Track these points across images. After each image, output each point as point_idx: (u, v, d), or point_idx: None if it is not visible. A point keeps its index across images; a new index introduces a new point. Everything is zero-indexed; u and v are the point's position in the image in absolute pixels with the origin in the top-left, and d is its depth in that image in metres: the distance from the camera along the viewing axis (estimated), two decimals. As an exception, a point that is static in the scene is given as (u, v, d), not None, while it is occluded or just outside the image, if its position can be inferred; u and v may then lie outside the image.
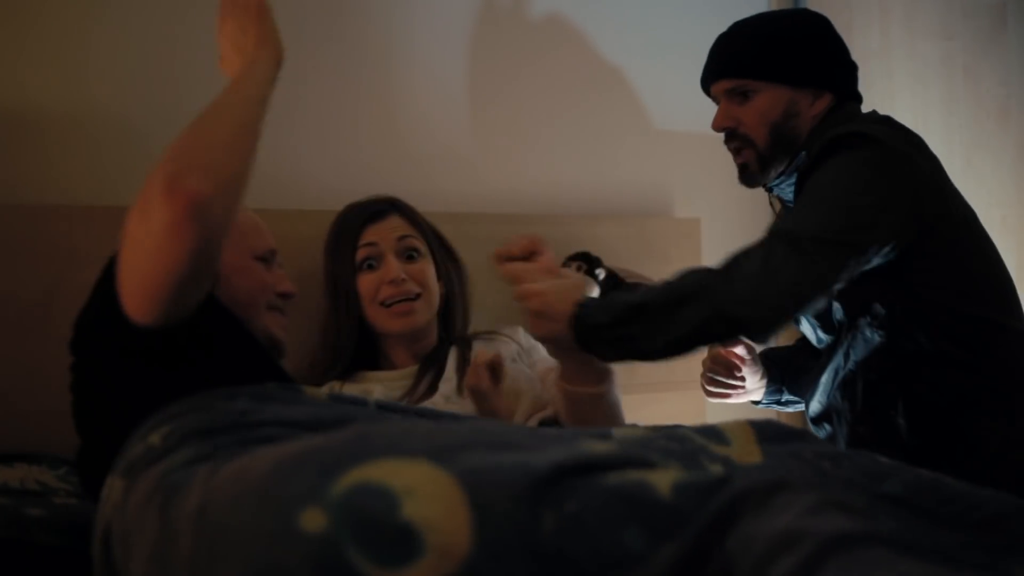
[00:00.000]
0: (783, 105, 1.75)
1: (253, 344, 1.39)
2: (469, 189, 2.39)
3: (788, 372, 1.99)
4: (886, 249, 1.59)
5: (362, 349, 1.93)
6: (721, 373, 1.97)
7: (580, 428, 1.26)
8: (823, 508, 0.77)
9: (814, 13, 1.85)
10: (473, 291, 2.14)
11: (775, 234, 1.57)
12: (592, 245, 2.21)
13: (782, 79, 1.75)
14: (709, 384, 2.01)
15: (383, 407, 1.29)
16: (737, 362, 1.95)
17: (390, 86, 2.32)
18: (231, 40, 1.38)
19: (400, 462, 0.84)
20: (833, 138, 1.64)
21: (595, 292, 2.21)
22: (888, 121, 1.75)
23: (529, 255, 1.90)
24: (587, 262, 2.21)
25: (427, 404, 1.78)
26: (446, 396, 1.82)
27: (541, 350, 1.99)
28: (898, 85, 2.67)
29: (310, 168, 2.23)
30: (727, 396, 2.01)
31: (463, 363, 1.88)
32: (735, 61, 1.79)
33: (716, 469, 0.88)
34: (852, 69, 1.83)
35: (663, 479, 0.83)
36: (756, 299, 1.51)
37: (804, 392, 1.89)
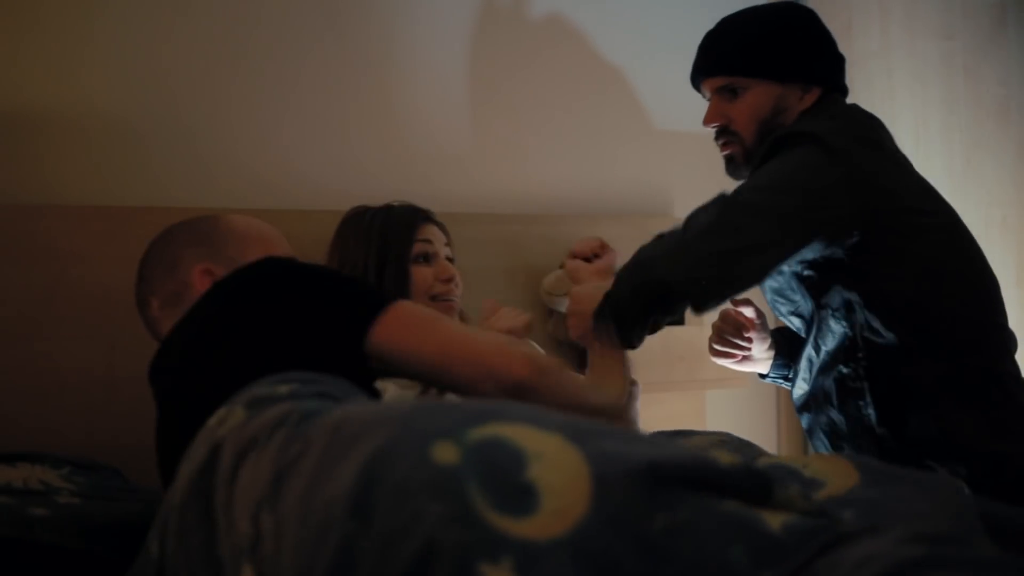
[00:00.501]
0: (772, 101, 1.78)
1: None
2: (469, 189, 2.39)
3: (797, 348, 1.99)
4: (826, 235, 1.62)
5: None
6: (729, 331, 1.96)
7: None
8: (908, 539, 0.80)
9: (801, 7, 1.86)
10: (474, 291, 2.14)
11: (706, 204, 1.64)
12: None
13: (771, 76, 1.78)
14: (716, 342, 2.00)
15: None
16: (746, 323, 1.94)
17: (390, 86, 2.31)
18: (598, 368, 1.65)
19: (537, 430, 0.88)
20: (778, 137, 1.70)
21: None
22: (845, 115, 1.78)
23: (592, 257, 2.05)
24: (587, 262, 2.21)
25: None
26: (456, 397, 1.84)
27: None
28: (898, 85, 2.68)
29: (310, 169, 2.23)
30: (733, 357, 1.99)
31: None
32: (724, 59, 1.81)
33: (823, 520, 0.91)
34: (839, 62, 1.85)
35: (776, 517, 0.86)
36: (674, 262, 1.59)
37: None
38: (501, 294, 2.17)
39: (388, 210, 1.97)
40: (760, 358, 2.00)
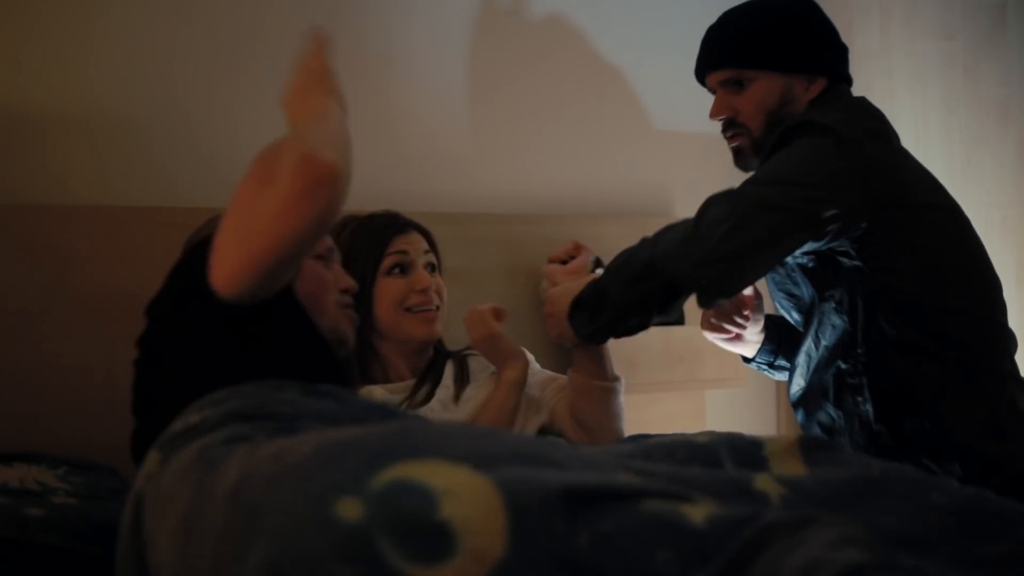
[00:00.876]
0: (778, 92, 1.78)
1: (317, 341, 1.41)
2: (469, 189, 2.39)
3: (786, 337, 1.98)
4: (833, 228, 1.61)
5: (360, 359, 1.91)
6: (728, 308, 1.94)
7: (615, 447, 1.27)
8: (843, 543, 0.78)
9: None
10: (474, 291, 2.14)
11: (713, 197, 1.65)
12: (592, 245, 2.22)
13: (776, 66, 1.78)
14: (713, 316, 1.97)
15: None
16: (745, 301, 1.93)
17: (390, 86, 2.32)
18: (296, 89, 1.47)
19: (442, 464, 0.85)
20: (788, 127, 1.70)
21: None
22: (855, 106, 1.78)
23: (568, 259, 2.08)
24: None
25: (423, 410, 1.79)
26: (443, 403, 1.83)
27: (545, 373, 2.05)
28: (898, 85, 2.67)
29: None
30: (727, 333, 1.97)
31: (461, 375, 1.92)
32: (729, 51, 1.82)
33: (746, 508, 0.89)
34: (843, 51, 1.85)
35: (698, 511, 0.84)
36: (683, 255, 1.61)
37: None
38: (501, 294, 2.17)
39: (366, 220, 1.94)
40: (751, 340, 1.99)
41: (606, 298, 1.69)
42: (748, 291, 1.92)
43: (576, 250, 2.13)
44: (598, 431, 1.83)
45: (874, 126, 1.74)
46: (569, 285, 1.77)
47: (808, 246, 1.65)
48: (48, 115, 1.98)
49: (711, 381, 2.48)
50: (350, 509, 0.81)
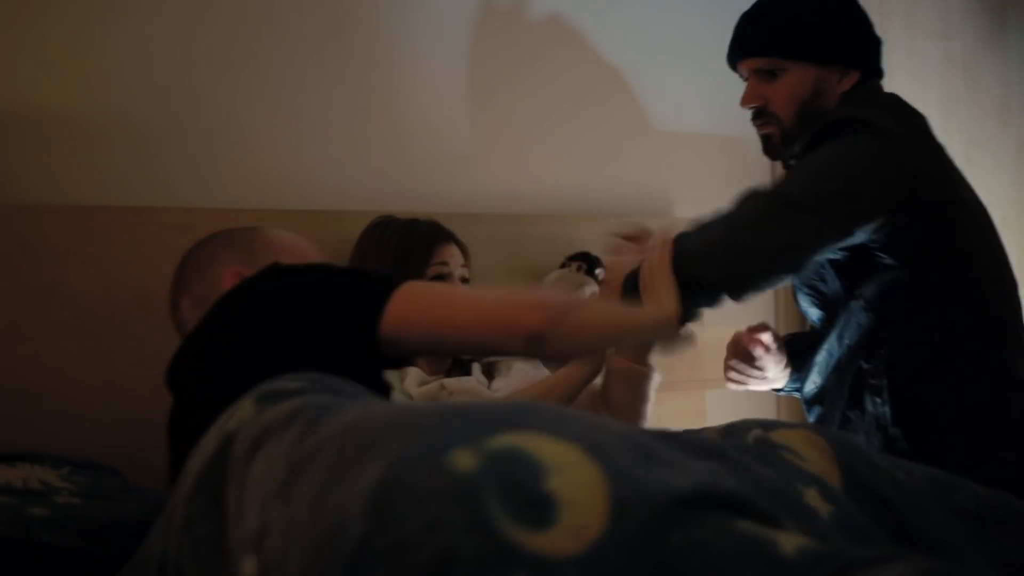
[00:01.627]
0: (811, 84, 1.76)
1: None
2: (469, 189, 2.39)
3: (809, 349, 1.98)
4: (871, 226, 1.60)
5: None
6: (740, 362, 1.94)
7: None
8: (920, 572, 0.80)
9: None
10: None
11: (750, 195, 1.62)
12: (592, 245, 2.22)
13: (811, 58, 1.75)
14: (729, 371, 1.98)
15: None
16: (759, 350, 1.91)
17: (390, 86, 2.31)
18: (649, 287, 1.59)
19: (555, 440, 0.87)
20: (828, 123, 1.68)
21: (595, 292, 2.21)
22: (893, 105, 1.76)
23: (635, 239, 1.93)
24: (587, 262, 2.21)
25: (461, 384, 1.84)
26: (480, 383, 1.88)
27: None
28: (898, 85, 2.67)
29: (310, 169, 2.23)
30: (746, 384, 1.97)
31: (488, 370, 1.97)
32: (763, 40, 1.79)
33: (836, 544, 0.91)
34: (877, 45, 1.83)
35: (789, 540, 0.85)
36: (712, 255, 1.58)
37: None
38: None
39: (411, 225, 1.98)
40: (776, 377, 1.98)
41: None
42: (767, 338, 1.90)
43: (644, 233, 2.05)
44: (625, 412, 1.84)
45: (914, 122, 1.72)
46: (633, 258, 1.71)
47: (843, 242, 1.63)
48: (47, 115, 1.97)
49: (711, 381, 2.48)
50: (465, 459, 0.83)
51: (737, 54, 1.83)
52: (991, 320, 1.64)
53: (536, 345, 1.27)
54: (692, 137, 2.59)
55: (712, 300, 1.62)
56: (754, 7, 1.84)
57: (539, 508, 0.81)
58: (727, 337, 2.34)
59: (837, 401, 1.73)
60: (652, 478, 0.86)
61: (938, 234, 1.64)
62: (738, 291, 1.61)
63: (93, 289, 1.87)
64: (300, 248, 1.59)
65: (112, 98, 2.03)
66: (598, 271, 2.23)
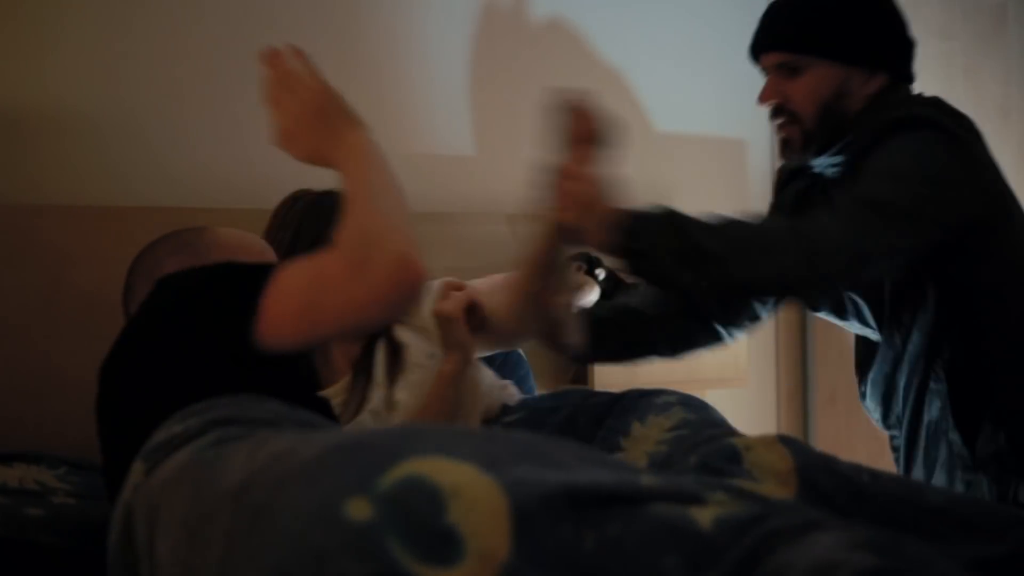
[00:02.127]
0: (835, 83, 1.66)
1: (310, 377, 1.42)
2: (470, 189, 2.39)
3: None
4: (951, 226, 1.55)
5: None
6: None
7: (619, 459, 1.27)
8: (857, 546, 0.79)
9: None
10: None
11: (854, 199, 1.54)
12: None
13: (835, 56, 1.66)
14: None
15: None
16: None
17: (390, 86, 2.32)
18: (296, 119, 1.47)
19: (449, 462, 0.85)
20: (893, 119, 1.61)
21: (595, 292, 2.21)
22: (939, 104, 1.69)
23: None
24: (587, 262, 2.20)
25: (356, 421, 1.71)
26: (375, 412, 1.74)
27: None
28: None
29: (310, 169, 2.22)
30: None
31: (394, 363, 1.79)
32: (785, 34, 1.70)
33: (753, 506, 0.89)
34: (909, 47, 1.73)
35: (705, 513, 0.84)
36: (836, 254, 1.50)
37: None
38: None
39: (313, 201, 1.85)
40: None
41: (686, 234, 1.50)
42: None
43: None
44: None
45: (969, 125, 1.65)
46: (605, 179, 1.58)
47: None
48: (48, 115, 1.98)
49: (711, 381, 2.48)
50: (359, 509, 0.81)
51: (759, 47, 1.74)
52: None
53: (404, 297, 1.18)
54: (692, 138, 2.59)
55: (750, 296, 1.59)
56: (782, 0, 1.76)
57: (445, 542, 0.79)
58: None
59: (895, 407, 1.70)
60: (553, 481, 0.85)
61: (999, 236, 1.60)
62: (807, 292, 1.57)
63: (93, 289, 1.87)
64: (250, 246, 1.53)
65: (112, 98, 2.04)
66: (598, 271, 2.22)
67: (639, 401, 1.58)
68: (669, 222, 1.52)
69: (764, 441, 1.26)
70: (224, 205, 2.07)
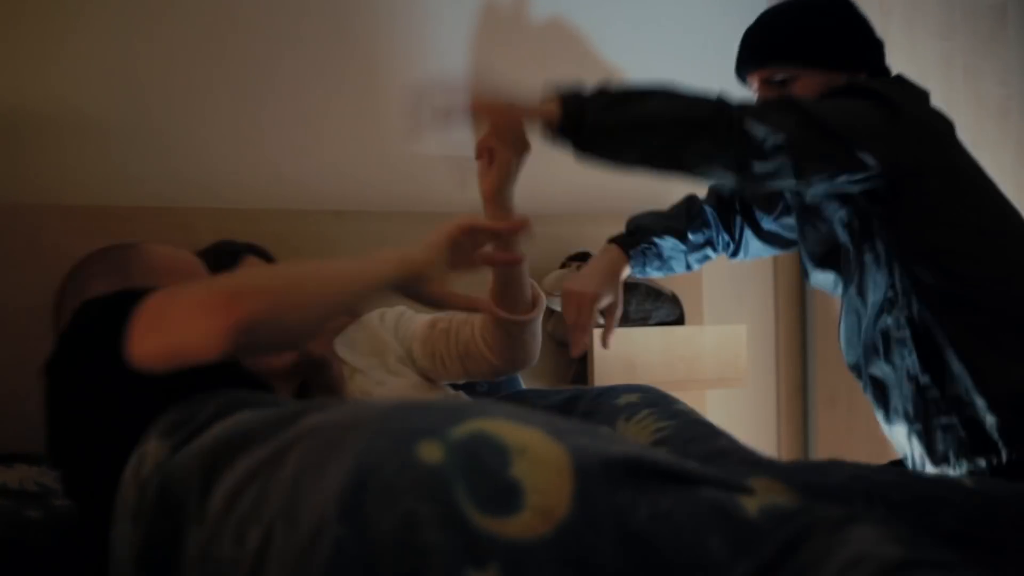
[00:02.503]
0: (820, 89, 1.76)
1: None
2: (469, 189, 2.39)
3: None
4: (876, 166, 1.60)
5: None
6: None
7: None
8: (889, 540, 0.81)
9: None
10: (475, 291, 2.14)
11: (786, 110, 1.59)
12: (592, 245, 2.22)
13: (819, 63, 1.77)
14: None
15: None
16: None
17: (391, 86, 2.32)
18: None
19: (517, 425, 0.88)
20: (840, 86, 1.70)
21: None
22: (896, 80, 1.79)
23: None
24: (586, 261, 2.21)
25: None
26: None
27: (412, 315, 1.85)
28: (898, 85, 2.68)
29: (310, 169, 2.23)
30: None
31: (332, 387, 1.67)
32: (770, 50, 1.81)
33: (798, 499, 0.92)
34: (879, 46, 1.85)
35: (752, 502, 0.87)
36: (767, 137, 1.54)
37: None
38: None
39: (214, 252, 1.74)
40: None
41: (636, 100, 1.59)
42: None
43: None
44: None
45: (917, 92, 1.74)
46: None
47: (845, 186, 1.63)
48: (48, 115, 1.98)
49: (711, 381, 2.48)
50: (431, 452, 0.83)
51: (745, 66, 1.86)
52: (1008, 270, 1.64)
53: (244, 339, 1.05)
54: (692, 137, 2.59)
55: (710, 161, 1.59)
56: (758, 20, 1.87)
57: (506, 493, 0.82)
58: (727, 338, 2.35)
59: (873, 358, 1.74)
60: (615, 451, 0.88)
61: (938, 188, 1.64)
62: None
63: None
64: (182, 265, 1.49)
65: (114, 98, 2.04)
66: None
67: (599, 402, 1.49)
68: (603, 93, 1.61)
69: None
70: (224, 205, 2.07)
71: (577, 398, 1.49)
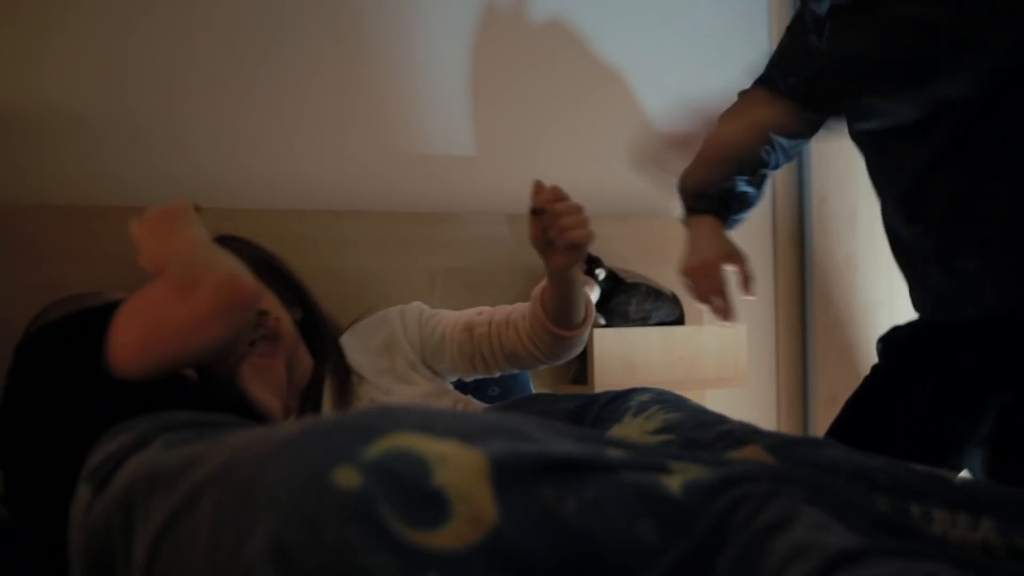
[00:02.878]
0: None
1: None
2: (469, 189, 2.39)
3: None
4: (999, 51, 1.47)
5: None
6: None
7: (594, 432, 1.26)
8: (829, 525, 0.81)
9: None
10: (475, 291, 2.14)
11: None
12: (592, 245, 2.21)
13: None
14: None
15: None
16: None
17: (390, 87, 2.32)
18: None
19: (430, 437, 0.87)
20: None
21: (595, 292, 2.21)
22: None
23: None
24: (587, 262, 2.21)
25: None
26: None
27: (445, 313, 1.85)
28: (898, 85, 2.67)
29: (310, 169, 2.23)
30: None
31: (342, 397, 1.67)
32: None
33: (719, 470, 0.92)
34: None
35: (674, 479, 0.87)
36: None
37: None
38: (502, 294, 2.18)
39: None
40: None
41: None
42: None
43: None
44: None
45: None
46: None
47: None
48: (48, 115, 1.98)
49: (711, 381, 2.48)
50: (348, 477, 0.82)
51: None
52: None
53: (237, 312, 1.27)
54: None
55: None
56: None
57: (433, 505, 0.81)
58: (727, 338, 2.35)
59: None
60: (532, 450, 0.88)
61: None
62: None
63: (93, 289, 1.87)
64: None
65: (112, 99, 2.04)
66: (598, 271, 2.23)
67: (613, 406, 1.51)
68: None
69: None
70: (224, 205, 2.07)
71: (590, 404, 1.49)
